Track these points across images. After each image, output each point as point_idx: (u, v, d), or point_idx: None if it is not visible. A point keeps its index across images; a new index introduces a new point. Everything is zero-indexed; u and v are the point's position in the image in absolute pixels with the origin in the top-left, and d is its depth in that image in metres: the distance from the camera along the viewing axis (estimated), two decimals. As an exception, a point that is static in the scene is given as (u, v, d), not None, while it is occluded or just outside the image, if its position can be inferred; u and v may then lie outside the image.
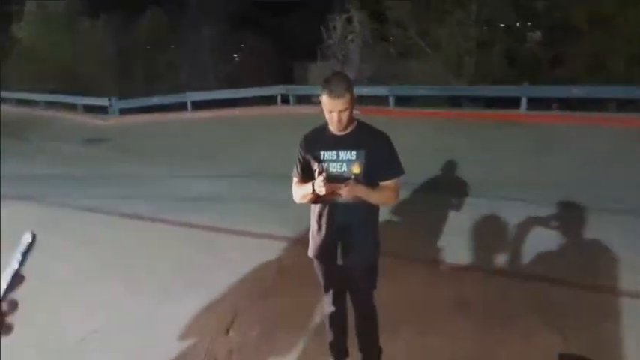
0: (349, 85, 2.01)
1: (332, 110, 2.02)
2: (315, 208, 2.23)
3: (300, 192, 2.20)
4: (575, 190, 5.62)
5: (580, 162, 7.15)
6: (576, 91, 11.46)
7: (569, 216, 4.82)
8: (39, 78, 19.10)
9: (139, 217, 5.35)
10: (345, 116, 2.03)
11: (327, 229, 2.18)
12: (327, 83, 2.00)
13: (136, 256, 4.29)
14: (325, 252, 2.24)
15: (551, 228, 4.54)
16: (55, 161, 9.26)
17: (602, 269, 3.67)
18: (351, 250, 2.19)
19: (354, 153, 2.08)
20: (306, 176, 2.21)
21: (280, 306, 3.30)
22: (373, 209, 2.21)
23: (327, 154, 2.11)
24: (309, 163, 2.18)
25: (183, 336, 2.97)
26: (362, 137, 2.12)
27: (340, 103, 1.99)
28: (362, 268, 2.27)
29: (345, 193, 2.01)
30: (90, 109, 16.76)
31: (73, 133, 12.84)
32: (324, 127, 2.18)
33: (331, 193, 2.04)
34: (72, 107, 17.22)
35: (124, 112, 16.02)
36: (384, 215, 2.32)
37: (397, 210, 4.84)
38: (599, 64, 12.25)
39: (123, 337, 3.00)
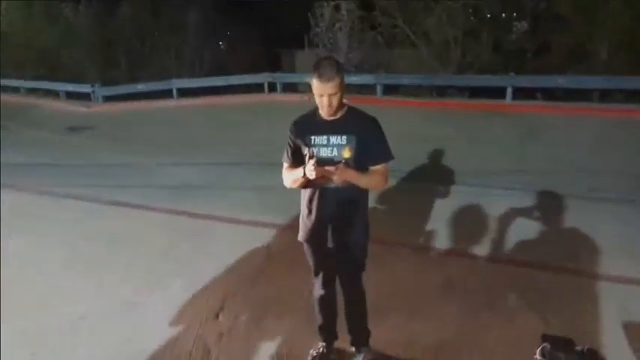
0: (339, 69, 2.02)
1: (322, 94, 2.03)
2: (306, 193, 2.25)
3: (291, 177, 2.21)
4: (559, 179, 5.75)
5: (564, 151, 7.29)
6: (561, 81, 11.63)
7: (553, 203, 4.93)
8: (19, 64, 18.60)
9: (126, 205, 5.32)
10: (335, 100, 2.05)
11: (318, 213, 2.20)
12: (317, 67, 2.01)
13: (123, 244, 4.28)
14: (316, 236, 2.26)
15: (536, 215, 4.64)
16: (37, 149, 9.07)
17: (583, 254, 3.77)
18: (341, 234, 2.22)
19: (344, 137, 2.10)
20: (297, 161, 2.22)
21: (269, 291, 3.33)
22: (363, 193, 2.24)
23: (318, 139, 2.12)
24: (300, 148, 2.19)
25: (173, 322, 2.98)
26: (352, 122, 2.14)
27: (330, 87, 2.00)
28: (352, 251, 2.30)
29: (335, 177, 2.03)
30: (73, 96, 16.41)
31: (55, 121, 12.57)
32: (314, 113, 2.19)
33: (322, 177, 2.06)
34: (54, 94, 16.86)
35: (107, 99, 15.73)
36: (371, 202, 2.35)
37: (385, 197, 4.88)
38: (583, 53, 12.41)
39: (112, 323, 3.00)
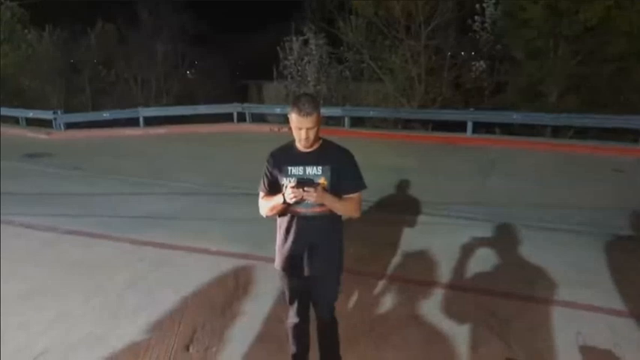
0: (317, 105, 2.15)
1: (300, 127, 2.14)
2: (282, 222, 2.32)
3: (270, 204, 2.28)
4: (517, 209, 6.06)
5: (520, 183, 7.70)
6: (516, 117, 12.36)
7: (512, 233, 5.17)
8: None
9: (87, 234, 5.16)
10: (312, 133, 2.16)
11: (295, 241, 2.27)
12: (297, 102, 2.13)
13: (85, 274, 4.15)
14: (292, 263, 2.32)
15: (496, 244, 4.84)
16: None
17: (541, 283, 3.96)
18: (317, 262, 2.29)
19: (319, 168, 2.21)
20: (273, 192, 2.30)
21: (239, 321, 3.32)
22: (338, 221, 2.34)
23: (295, 170, 2.22)
24: (277, 178, 2.28)
25: (140, 355, 2.91)
26: (327, 154, 2.25)
27: (308, 122, 2.12)
28: (327, 278, 2.37)
29: (313, 198, 2.12)
30: (33, 122, 15.85)
31: (13, 148, 12.08)
32: (291, 145, 2.29)
33: (299, 201, 2.14)
34: (13, 120, 16.25)
35: (70, 126, 15.30)
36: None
37: (350, 227, 4.97)
38: (535, 93, 13.28)
39: (75, 358, 2.89)
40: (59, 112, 15.26)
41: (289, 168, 2.22)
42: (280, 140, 2.39)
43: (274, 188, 2.29)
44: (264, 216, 2.35)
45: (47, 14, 19.51)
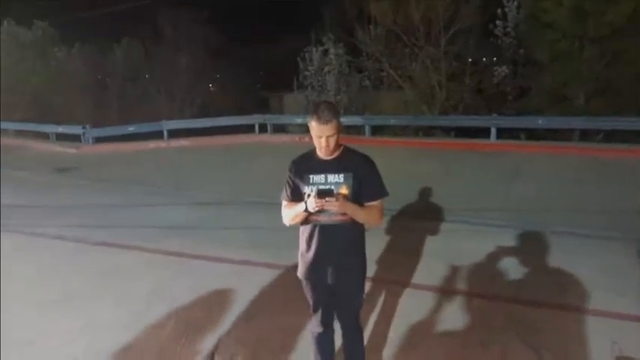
0: (336, 112, 2.15)
1: (320, 136, 2.14)
2: (305, 230, 2.32)
3: (292, 212, 2.28)
4: (544, 215, 5.90)
5: (547, 188, 7.51)
6: (541, 122, 12.09)
7: (539, 240, 5.03)
8: (10, 106, 18.67)
9: (115, 245, 5.27)
10: (332, 141, 2.16)
11: (317, 249, 2.26)
12: (316, 110, 2.13)
13: (113, 284, 4.23)
14: (315, 272, 2.31)
15: (523, 251, 4.72)
16: (23, 190, 8.97)
17: (572, 290, 3.84)
18: (340, 270, 2.27)
19: (341, 176, 2.19)
20: (295, 200, 2.30)
21: (264, 329, 3.31)
22: (360, 230, 2.31)
23: (316, 178, 2.21)
24: (299, 186, 2.28)
25: (167, 363, 2.94)
26: (348, 161, 2.24)
27: (328, 129, 2.12)
28: (350, 287, 2.34)
29: (335, 207, 2.11)
30: (63, 137, 16.40)
31: (43, 162, 12.51)
32: (312, 153, 2.30)
33: (321, 210, 2.13)
34: (43, 136, 16.85)
35: (98, 140, 15.75)
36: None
37: (374, 234, 4.93)
38: (561, 97, 12.98)
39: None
40: (87, 126, 15.73)
41: (311, 176, 2.22)
42: (301, 150, 2.39)
43: (297, 196, 2.29)
44: (287, 224, 2.35)
45: (76, 32, 20.32)
